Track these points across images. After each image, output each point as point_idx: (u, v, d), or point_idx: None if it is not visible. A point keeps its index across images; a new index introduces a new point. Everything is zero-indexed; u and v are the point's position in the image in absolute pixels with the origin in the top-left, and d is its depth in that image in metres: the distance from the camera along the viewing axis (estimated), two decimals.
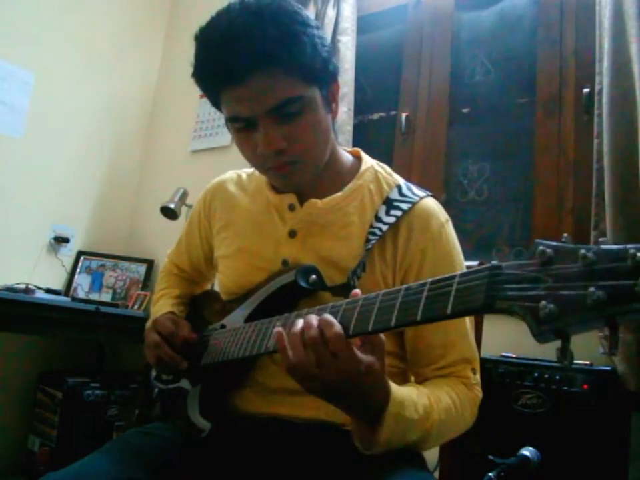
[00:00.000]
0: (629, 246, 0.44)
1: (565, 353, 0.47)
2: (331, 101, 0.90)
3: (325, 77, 0.87)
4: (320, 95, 0.86)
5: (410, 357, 0.91)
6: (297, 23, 0.81)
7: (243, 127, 0.85)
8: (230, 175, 1.10)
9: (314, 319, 0.69)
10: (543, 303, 0.47)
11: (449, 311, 0.56)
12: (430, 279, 0.61)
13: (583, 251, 0.46)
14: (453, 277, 0.58)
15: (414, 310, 0.60)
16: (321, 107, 0.86)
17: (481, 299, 0.53)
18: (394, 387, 0.73)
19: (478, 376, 0.89)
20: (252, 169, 1.08)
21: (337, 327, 0.66)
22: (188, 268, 1.17)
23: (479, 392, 0.89)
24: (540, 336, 0.47)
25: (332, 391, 0.69)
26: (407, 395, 0.75)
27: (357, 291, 0.71)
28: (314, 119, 0.85)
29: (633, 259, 0.43)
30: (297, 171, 0.87)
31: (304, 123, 0.83)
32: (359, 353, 0.67)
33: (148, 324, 1.04)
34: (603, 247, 0.45)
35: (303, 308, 0.78)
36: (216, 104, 0.88)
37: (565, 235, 0.49)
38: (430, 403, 0.78)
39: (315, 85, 0.84)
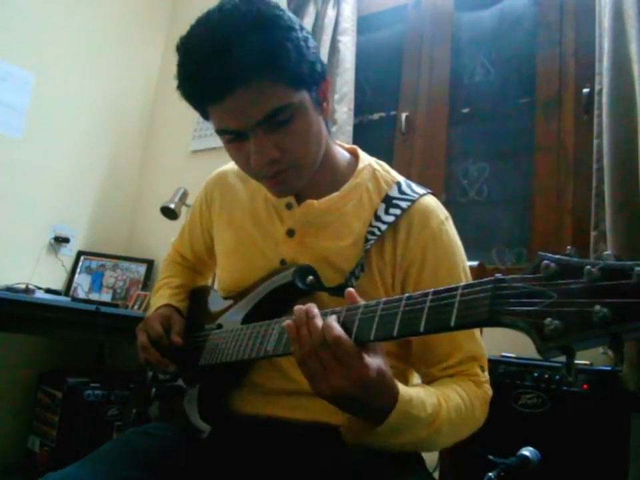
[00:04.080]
0: (634, 263, 0.44)
1: (570, 368, 0.47)
2: (321, 100, 0.87)
3: (313, 78, 0.84)
4: (309, 97, 0.83)
5: (416, 357, 0.90)
6: (279, 29, 0.77)
7: (233, 139, 0.83)
8: (232, 165, 1.07)
9: (319, 321, 0.67)
10: (549, 319, 0.46)
11: (452, 324, 0.56)
12: (432, 289, 0.61)
13: (588, 267, 0.45)
14: (456, 289, 0.57)
15: (417, 321, 0.60)
16: (311, 110, 0.84)
17: (485, 312, 0.52)
18: (402, 386, 0.71)
19: (486, 373, 0.88)
20: None
21: (337, 329, 0.65)
22: (190, 256, 1.18)
23: (488, 389, 0.87)
24: (545, 352, 0.47)
25: (340, 396, 0.66)
26: (415, 393, 0.73)
27: (351, 290, 0.70)
28: (305, 124, 0.83)
29: (638, 277, 0.43)
30: (290, 177, 0.85)
31: (295, 129, 0.81)
32: (367, 358, 0.65)
33: (141, 323, 1.04)
34: (609, 262, 0.45)
35: None
36: (205, 116, 0.87)
37: (569, 247, 0.49)
38: (439, 402, 0.76)
39: (303, 89, 0.81)
